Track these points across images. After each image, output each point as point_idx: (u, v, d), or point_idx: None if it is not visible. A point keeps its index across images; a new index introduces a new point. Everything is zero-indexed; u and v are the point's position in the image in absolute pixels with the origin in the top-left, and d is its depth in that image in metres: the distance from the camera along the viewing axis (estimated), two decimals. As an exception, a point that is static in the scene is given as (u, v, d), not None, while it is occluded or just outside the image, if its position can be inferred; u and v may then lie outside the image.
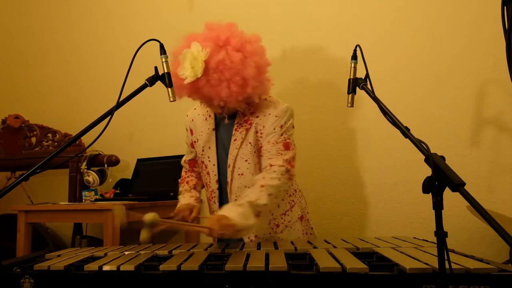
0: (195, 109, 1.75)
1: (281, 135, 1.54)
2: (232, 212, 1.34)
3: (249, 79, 1.47)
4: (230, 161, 1.58)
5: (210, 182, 1.64)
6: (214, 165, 1.62)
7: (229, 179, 1.58)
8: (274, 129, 1.54)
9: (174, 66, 1.48)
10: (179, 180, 1.81)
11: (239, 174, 1.57)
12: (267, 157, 1.53)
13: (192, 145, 1.75)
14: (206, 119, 1.67)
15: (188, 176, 1.80)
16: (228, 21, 1.54)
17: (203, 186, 1.77)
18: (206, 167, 1.65)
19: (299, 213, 1.68)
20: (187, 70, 1.44)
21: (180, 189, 1.75)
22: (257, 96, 1.54)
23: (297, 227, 1.66)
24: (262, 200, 1.40)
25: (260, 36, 1.56)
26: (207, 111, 1.68)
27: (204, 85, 1.45)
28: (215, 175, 1.62)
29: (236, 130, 1.59)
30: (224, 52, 1.44)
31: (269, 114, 1.56)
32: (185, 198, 1.67)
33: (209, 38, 1.47)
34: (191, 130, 1.73)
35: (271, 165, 1.50)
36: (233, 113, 1.60)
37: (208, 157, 1.64)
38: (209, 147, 1.64)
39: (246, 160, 1.57)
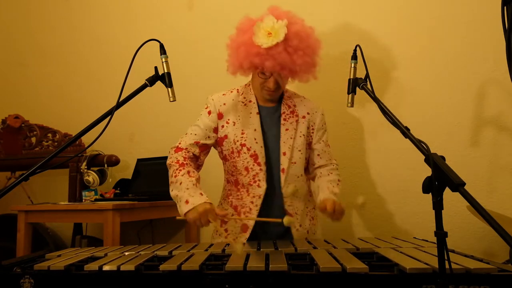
0: (223, 94, 1.69)
1: (326, 132, 1.74)
2: (335, 198, 1.54)
3: (316, 54, 1.59)
4: (285, 149, 1.63)
5: (254, 164, 1.60)
6: (261, 147, 1.62)
7: (284, 166, 1.61)
8: (322, 125, 1.72)
9: (233, 43, 1.59)
10: (177, 164, 1.59)
11: (292, 162, 1.63)
12: (327, 158, 1.73)
13: (215, 130, 1.65)
14: (245, 104, 1.66)
15: (190, 167, 1.57)
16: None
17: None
18: (249, 149, 1.61)
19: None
20: (264, 38, 1.49)
21: (186, 179, 1.49)
22: (308, 78, 1.63)
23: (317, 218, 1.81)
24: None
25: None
26: (245, 98, 1.67)
27: (281, 51, 1.48)
28: (263, 156, 1.61)
29: (285, 120, 1.66)
30: (299, 24, 1.54)
31: (316, 112, 1.71)
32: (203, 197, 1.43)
33: (281, 14, 1.53)
34: (220, 114, 1.65)
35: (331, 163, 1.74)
36: (275, 104, 1.69)
37: (255, 139, 1.61)
38: (255, 129, 1.62)
39: (300, 150, 1.65)
